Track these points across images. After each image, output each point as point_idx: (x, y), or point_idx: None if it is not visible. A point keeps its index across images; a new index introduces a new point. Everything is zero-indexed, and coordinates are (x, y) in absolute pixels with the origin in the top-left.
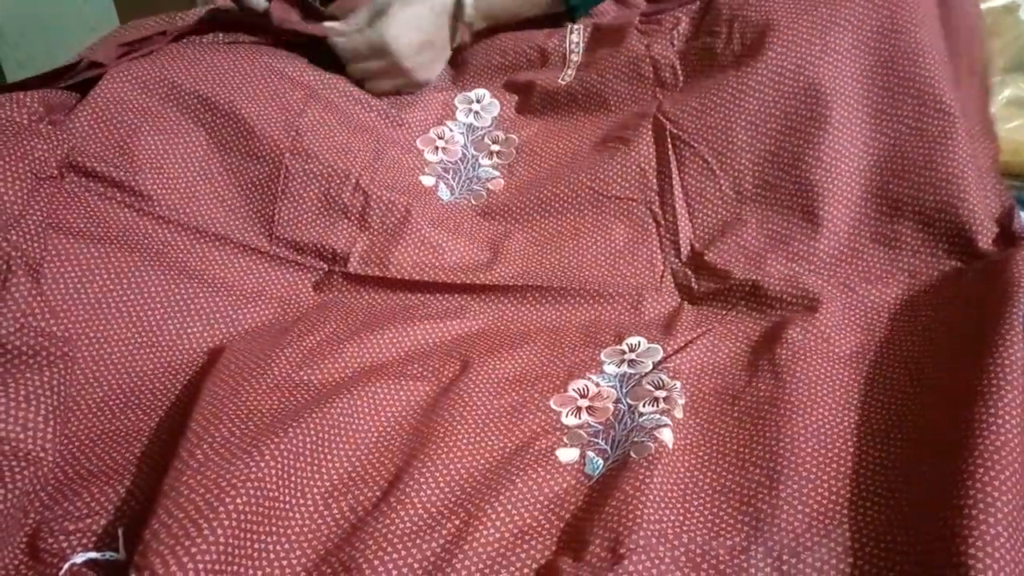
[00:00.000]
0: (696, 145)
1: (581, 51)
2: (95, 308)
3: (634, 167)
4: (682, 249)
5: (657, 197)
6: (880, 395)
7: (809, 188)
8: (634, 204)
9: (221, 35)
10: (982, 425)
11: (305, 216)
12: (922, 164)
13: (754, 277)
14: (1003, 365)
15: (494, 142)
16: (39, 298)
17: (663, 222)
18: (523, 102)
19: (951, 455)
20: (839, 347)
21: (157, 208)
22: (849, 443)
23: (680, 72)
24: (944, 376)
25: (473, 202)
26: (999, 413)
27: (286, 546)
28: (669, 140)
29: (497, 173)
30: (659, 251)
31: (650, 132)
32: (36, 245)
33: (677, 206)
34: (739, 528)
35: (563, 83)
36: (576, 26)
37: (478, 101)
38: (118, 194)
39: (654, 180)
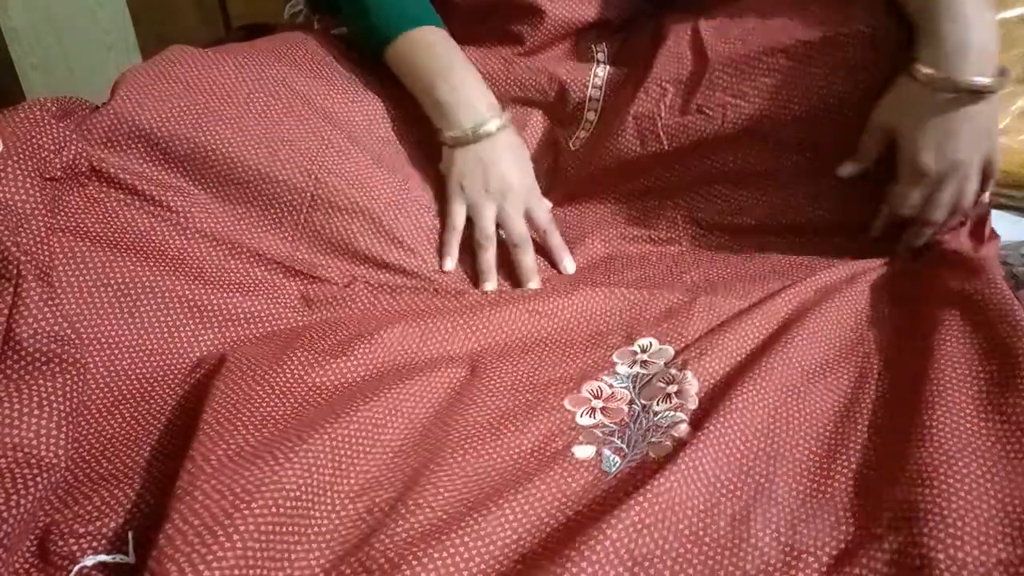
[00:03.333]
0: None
1: (601, 100)
2: (107, 312)
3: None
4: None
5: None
6: (870, 380)
7: None
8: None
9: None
10: (938, 404)
11: (326, 250)
12: None
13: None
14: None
15: None
16: (51, 302)
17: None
18: (540, 148)
19: (922, 426)
20: (833, 339)
21: (177, 216)
22: (837, 425)
23: (666, 142)
24: (921, 362)
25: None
26: (949, 396)
27: (307, 546)
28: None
29: None
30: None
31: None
32: (45, 248)
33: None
34: (738, 497)
35: (574, 148)
36: (599, 69)
37: None
38: (137, 201)
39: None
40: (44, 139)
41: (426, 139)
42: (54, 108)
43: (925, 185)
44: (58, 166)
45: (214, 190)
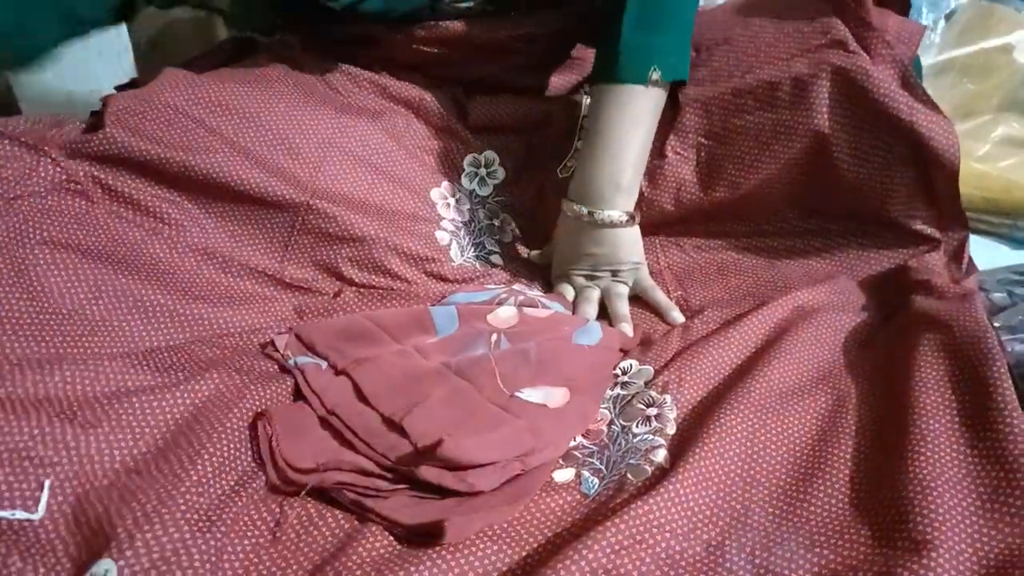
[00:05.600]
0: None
1: None
2: (99, 326)
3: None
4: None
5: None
6: (846, 404)
7: None
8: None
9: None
10: (914, 433)
11: (313, 268)
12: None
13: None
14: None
15: (495, 216)
16: None
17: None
18: (526, 176)
19: (898, 455)
20: (810, 363)
21: (170, 228)
22: (813, 448)
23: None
24: (897, 388)
25: (478, 267)
26: (931, 422)
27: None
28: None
29: (498, 249)
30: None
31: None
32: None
33: (666, 277)
34: (715, 524)
35: (562, 176)
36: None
37: (486, 166)
38: (130, 212)
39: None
40: (4, 163)
41: (416, 164)
42: (30, 131)
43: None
44: (26, 185)
45: (206, 207)
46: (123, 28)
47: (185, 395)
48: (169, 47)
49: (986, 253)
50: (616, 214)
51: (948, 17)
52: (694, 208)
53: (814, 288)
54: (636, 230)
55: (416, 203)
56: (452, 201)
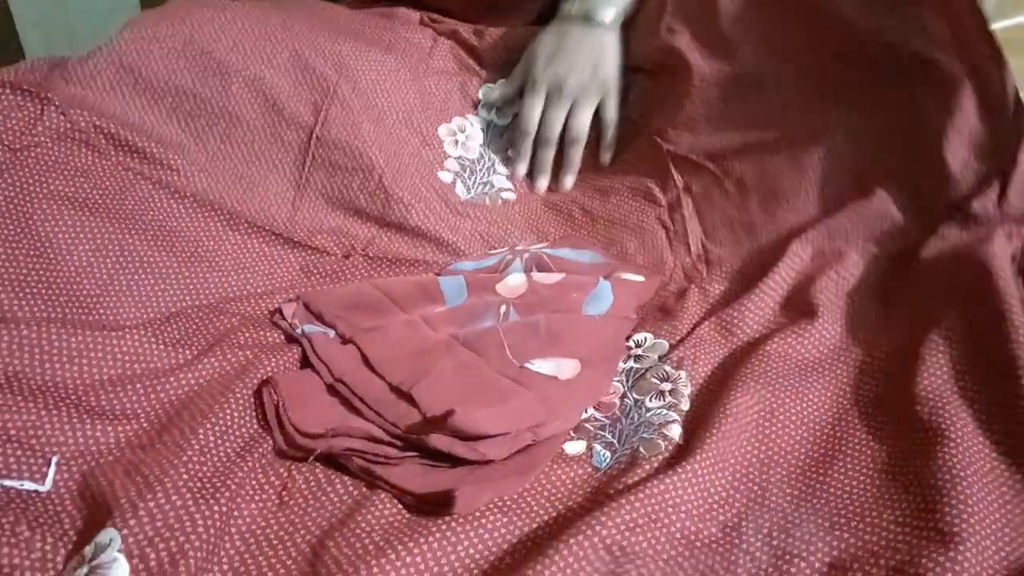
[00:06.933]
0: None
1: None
2: (108, 282)
3: (642, 187)
4: (692, 248)
5: (666, 209)
6: (863, 383)
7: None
8: (645, 221)
9: None
10: (940, 416)
11: (326, 206)
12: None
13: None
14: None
15: (511, 146)
16: None
17: (673, 227)
18: None
19: (925, 438)
20: (830, 331)
21: (176, 175)
22: (833, 427)
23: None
24: (917, 366)
25: (488, 203)
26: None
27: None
28: (669, 158)
29: (509, 185)
30: (669, 252)
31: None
32: (5, 221)
33: (686, 213)
34: (731, 505)
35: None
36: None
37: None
38: (137, 161)
39: (660, 195)
40: (7, 113)
41: (426, 97)
42: (32, 76)
43: (535, 94)
44: (31, 135)
45: (216, 148)
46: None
47: (191, 375)
48: None
49: None
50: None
51: None
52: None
53: (836, 219)
54: (618, 41)
55: (421, 142)
56: (462, 137)
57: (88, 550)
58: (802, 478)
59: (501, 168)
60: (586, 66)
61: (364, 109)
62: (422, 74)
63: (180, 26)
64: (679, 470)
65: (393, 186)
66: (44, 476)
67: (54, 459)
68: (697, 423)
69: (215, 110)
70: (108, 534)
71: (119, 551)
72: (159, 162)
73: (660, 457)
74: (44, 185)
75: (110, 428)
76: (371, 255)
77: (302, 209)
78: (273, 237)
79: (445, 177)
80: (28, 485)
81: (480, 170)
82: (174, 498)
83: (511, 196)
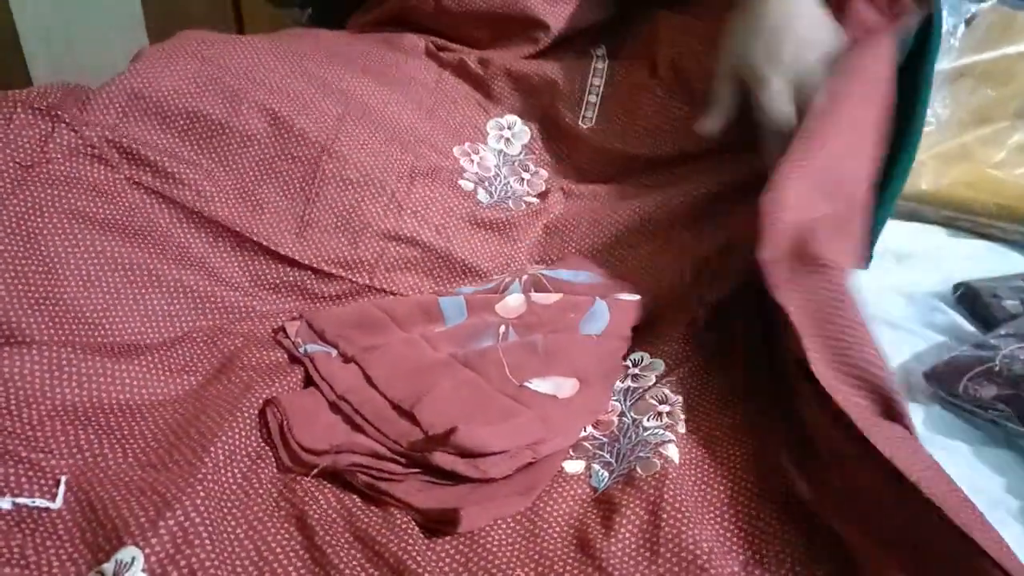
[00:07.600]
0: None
1: (601, 89)
2: (114, 296)
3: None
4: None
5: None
6: None
7: None
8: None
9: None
10: None
11: (336, 224)
12: None
13: None
14: None
15: (524, 170)
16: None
17: (688, 243)
18: (551, 135)
19: None
20: None
21: (187, 191)
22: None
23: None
24: None
25: (512, 206)
26: None
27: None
28: None
29: (533, 197)
30: (687, 268)
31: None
32: (15, 237)
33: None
34: (747, 545)
35: (585, 127)
36: (599, 65)
37: (509, 128)
38: (148, 176)
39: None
40: (24, 129)
41: (437, 125)
42: (45, 98)
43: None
44: (42, 152)
45: (227, 165)
46: (137, 4)
47: (198, 401)
48: (183, 24)
49: (999, 260)
50: None
51: (968, 22)
52: None
53: None
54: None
55: (437, 156)
56: (476, 158)
57: (108, 567)
58: (796, 508)
59: (517, 184)
60: None
61: (376, 129)
62: (429, 108)
63: (191, 58)
64: (684, 510)
65: (405, 200)
66: (54, 496)
67: (63, 478)
68: (693, 447)
69: (225, 130)
70: (130, 552)
71: (143, 571)
72: (171, 175)
73: (656, 476)
74: (55, 201)
75: (119, 447)
76: (376, 285)
77: (311, 226)
78: (279, 257)
79: (466, 185)
80: (40, 502)
81: (498, 183)
82: (192, 515)
83: (535, 201)
